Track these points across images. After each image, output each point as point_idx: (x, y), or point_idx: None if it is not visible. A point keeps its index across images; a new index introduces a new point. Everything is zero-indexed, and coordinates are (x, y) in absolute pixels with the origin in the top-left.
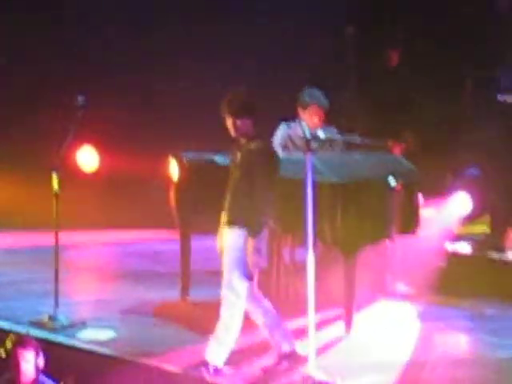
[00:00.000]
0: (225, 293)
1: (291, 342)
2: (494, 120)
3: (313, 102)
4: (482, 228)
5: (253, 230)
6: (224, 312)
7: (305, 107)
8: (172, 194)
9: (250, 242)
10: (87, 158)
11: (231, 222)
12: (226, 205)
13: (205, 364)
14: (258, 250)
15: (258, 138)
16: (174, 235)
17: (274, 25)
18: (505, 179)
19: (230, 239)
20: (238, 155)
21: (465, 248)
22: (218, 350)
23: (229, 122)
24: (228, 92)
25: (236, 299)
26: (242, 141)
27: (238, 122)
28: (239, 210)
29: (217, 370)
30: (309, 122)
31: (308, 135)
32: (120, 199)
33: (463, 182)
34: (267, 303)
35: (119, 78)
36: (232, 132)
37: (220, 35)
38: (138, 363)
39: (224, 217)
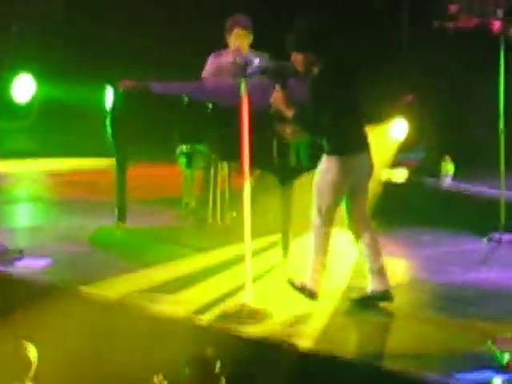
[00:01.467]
0: (313, 217)
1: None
2: (428, 46)
3: (234, 24)
4: (417, 155)
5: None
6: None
7: (229, 32)
8: (108, 123)
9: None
10: (24, 87)
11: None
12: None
13: (302, 287)
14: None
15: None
16: (111, 164)
17: None
18: (438, 104)
19: (324, 165)
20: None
21: (400, 175)
22: (310, 274)
23: (300, 58)
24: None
25: (321, 225)
26: (306, 73)
27: (300, 57)
28: (328, 139)
29: (312, 293)
30: (234, 48)
31: (241, 61)
32: (57, 127)
33: (400, 109)
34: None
35: (56, 6)
36: (298, 67)
37: None
38: (76, 291)
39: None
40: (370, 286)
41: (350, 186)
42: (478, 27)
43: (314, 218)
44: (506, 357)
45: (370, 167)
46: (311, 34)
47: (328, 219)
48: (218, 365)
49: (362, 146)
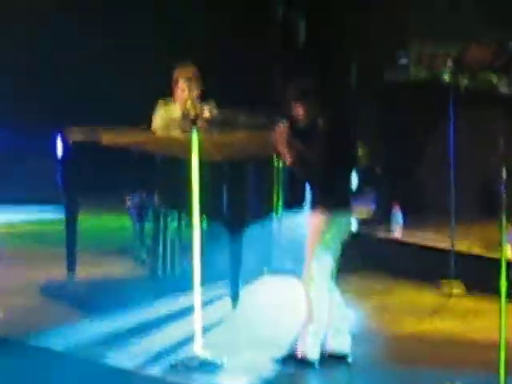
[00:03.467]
0: (303, 277)
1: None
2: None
3: (180, 75)
4: (366, 207)
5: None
6: (306, 298)
7: (176, 84)
8: (58, 173)
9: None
10: None
11: (320, 207)
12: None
13: (302, 356)
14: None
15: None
16: (61, 214)
17: None
18: (389, 155)
19: (311, 222)
20: (310, 139)
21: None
22: (307, 340)
23: (303, 107)
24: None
25: (311, 283)
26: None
27: (300, 107)
28: (318, 194)
29: (304, 361)
30: (181, 100)
31: (192, 115)
32: (7, 176)
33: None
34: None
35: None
36: (302, 117)
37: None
38: (26, 344)
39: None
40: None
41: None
42: (428, 78)
43: (312, 283)
44: None
45: (350, 225)
46: (316, 85)
47: (329, 277)
48: None
49: (351, 204)
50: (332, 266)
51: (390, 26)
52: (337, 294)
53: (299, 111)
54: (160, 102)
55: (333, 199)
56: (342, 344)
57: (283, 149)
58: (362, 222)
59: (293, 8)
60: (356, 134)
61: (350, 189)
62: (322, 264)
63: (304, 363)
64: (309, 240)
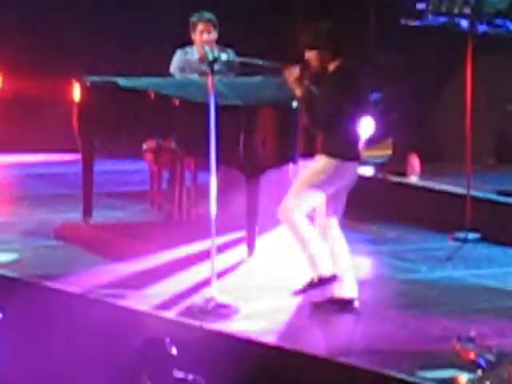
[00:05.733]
0: (289, 210)
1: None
2: (394, 44)
3: (198, 19)
4: (383, 152)
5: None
6: (290, 231)
7: (194, 28)
8: (74, 117)
9: None
10: None
11: (323, 151)
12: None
13: (312, 280)
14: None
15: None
16: (77, 158)
17: None
18: (404, 102)
19: (320, 164)
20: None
21: (366, 171)
22: (313, 262)
23: (314, 55)
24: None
25: (299, 217)
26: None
27: (313, 53)
28: (330, 139)
29: (324, 279)
30: (200, 43)
31: (210, 57)
32: (23, 121)
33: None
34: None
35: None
36: (316, 64)
37: None
38: (41, 285)
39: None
40: (334, 290)
41: (334, 190)
42: (446, 25)
43: (291, 211)
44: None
45: (356, 177)
46: (329, 33)
47: (305, 215)
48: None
49: (359, 153)
50: (336, 213)
51: None
52: (342, 242)
53: (310, 58)
54: (179, 49)
55: (339, 145)
56: (349, 289)
57: (293, 85)
58: (377, 167)
59: None
60: (367, 82)
61: (357, 136)
62: (313, 205)
63: (340, 303)
64: (312, 183)
